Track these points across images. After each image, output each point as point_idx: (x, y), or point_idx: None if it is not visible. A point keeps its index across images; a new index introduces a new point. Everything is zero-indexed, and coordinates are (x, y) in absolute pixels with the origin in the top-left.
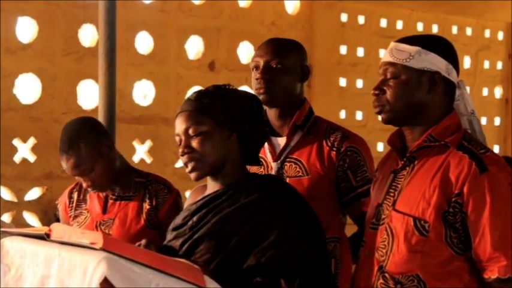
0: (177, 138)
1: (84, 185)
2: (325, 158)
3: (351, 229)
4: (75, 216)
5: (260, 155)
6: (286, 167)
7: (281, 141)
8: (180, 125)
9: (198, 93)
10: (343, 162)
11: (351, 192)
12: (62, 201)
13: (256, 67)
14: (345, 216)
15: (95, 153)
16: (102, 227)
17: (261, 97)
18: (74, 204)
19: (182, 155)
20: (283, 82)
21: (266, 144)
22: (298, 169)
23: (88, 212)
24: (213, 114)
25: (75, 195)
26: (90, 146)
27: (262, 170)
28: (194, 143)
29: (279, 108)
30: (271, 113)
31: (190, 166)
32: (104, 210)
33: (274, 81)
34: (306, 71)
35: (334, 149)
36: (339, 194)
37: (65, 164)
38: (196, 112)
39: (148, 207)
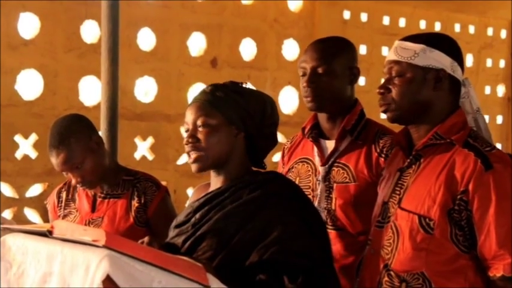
0: (185, 127)
1: (73, 181)
2: (373, 165)
3: None
4: (65, 216)
5: (309, 157)
6: (333, 171)
7: (329, 144)
8: (189, 115)
9: (214, 86)
10: None
11: None
12: (51, 201)
13: (303, 74)
14: None
15: (84, 149)
16: (91, 226)
17: (309, 105)
18: (63, 204)
19: (186, 144)
20: (331, 88)
21: (315, 148)
22: (345, 175)
23: (77, 210)
24: (224, 110)
25: (63, 195)
26: (80, 141)
27: (310, 173)
28: (200, 134)
29: (329, 112)
30: (321, 116)
31: (192, 156)
32: (93, 208)
33: (322, 88)
34: (356, 72)
35: (383, 155)
36: None
37: (55, 160)
38: (207, 104)
39: (137, 204)
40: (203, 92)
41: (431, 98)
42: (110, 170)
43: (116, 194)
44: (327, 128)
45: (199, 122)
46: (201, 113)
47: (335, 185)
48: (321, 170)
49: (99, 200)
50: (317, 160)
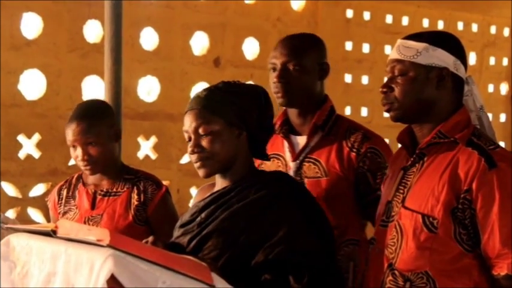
0: (186, 135)
1: (80, 157)
2: (345, 159)
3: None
4: (64, 213)
5: (279, 153)
6: (304, 167)
7: (301, 140)
8: (189, 123)
9: (208, 90)
10: (363, 164)
11: (370, 194)
12: (52, 199)
13: (274, 69)
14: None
15: (104, 132)
16: (91, 223)
17: (279, 100)
18: (63, 201)
19: (192, 154)
20: (301, 84)
21: (286, 143)
22: (316, 170)
23: (77, 208)
24: (224, 114)
25: (64, 192)
26: (103, 123)
27: (281, 168)
28: (204, 142)
29: (299, 108)
30: (292, 112)
31: (200, 165)
32: (93, 205)
33: (292, 83)
34: (326, 68)
35: (354, 150)
36: (358, 196)
37: (73, 129)
38: (206, 111)
39: (136, 203)
40: (198, 98)
41: (434, 97)
42: (116, 165)
43: (116, 191)
44: (298, 124)
45: (201, 131)
46: (202, 121)
47: (306, 180)
48: (292, 165)
49: (99, 197)
50: (288, 156)
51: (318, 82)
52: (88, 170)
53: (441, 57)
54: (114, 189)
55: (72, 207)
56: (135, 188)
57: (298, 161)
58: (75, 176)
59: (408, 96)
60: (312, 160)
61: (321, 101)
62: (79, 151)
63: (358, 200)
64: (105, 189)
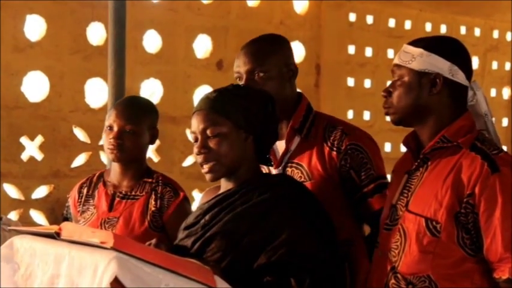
0: (193, 136)
1: (112, 139)
2: (327, 160)
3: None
4: (83, 212)
5: None
6: (288, 172)
7: (279, 145)
8: (197, 124)
9: (217, 92)
10: (345, 162)
11: (357, 192)
12: (72, 196)
13: (239, 78)
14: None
15: (143, 128)
16: (107, 225)
17: None
18: (83, 200)
19: (198, 155)
20: (270, 89)
21: None
22: (300, 174)
23: (95, 208)
24: (232, 116)
25: (84, 190)
26: (146, 120)
27: None
28: (212, 144)
29: None
30: None
31: (206, 167)
32: (110, 207)
33: None
34: (294, 69)
35: (335, 148)
36: (347, 195)
37: (117, 111)
38: (215, 112)
39: (153, 208)
40: (207, 99)
41: (427, 102)
42: (141, 166)
43: (135, 195)
44: None
45: (209, 132)
46: (210, 122)
47: None
48: (274, 172)
49: (117, 199)
50: None
51: (287, 84)
52: (113, 155)
53: (434, 63)
54: (133, 193)
55: (91, 206)
56: (153, 193)
57: (280, 168)
58: (97, 174)
59: (402, 101)
60: (295, 165)
61: (295, 102)
62: (114, 134)
63: (349, 199)
64: (124, 191)
